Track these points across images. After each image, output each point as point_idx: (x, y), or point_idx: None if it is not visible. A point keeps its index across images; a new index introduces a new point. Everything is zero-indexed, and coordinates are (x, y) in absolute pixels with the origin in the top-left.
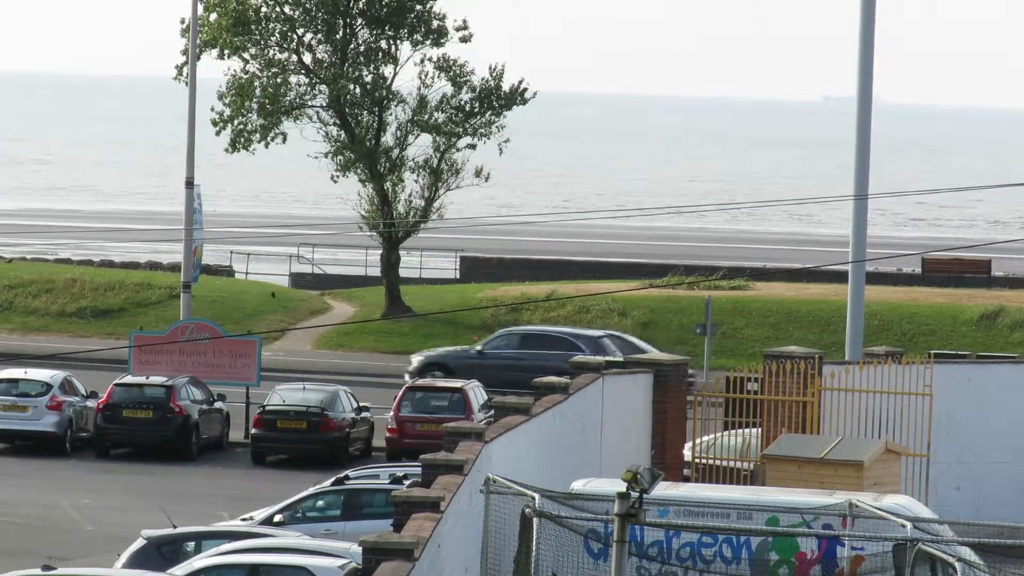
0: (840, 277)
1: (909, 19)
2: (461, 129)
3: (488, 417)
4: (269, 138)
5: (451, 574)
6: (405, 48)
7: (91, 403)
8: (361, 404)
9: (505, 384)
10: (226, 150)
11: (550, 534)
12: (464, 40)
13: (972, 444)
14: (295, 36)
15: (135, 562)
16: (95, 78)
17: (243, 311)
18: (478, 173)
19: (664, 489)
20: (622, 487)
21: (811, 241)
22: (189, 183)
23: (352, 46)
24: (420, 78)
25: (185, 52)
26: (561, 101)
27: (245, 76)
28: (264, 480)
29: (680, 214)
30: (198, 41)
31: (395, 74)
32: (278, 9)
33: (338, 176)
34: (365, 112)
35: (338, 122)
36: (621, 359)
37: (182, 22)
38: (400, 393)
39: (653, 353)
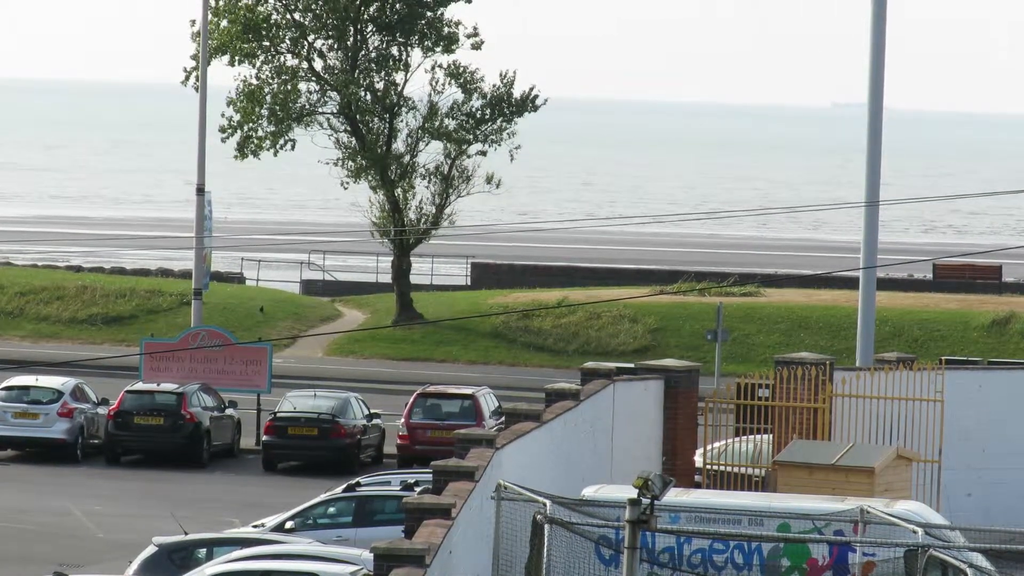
0: (851, 283)
1: (913, 21)
2: (472, 136)
3: (499, 424)
4: (278, 145)
5: None
6: (416, 55)
7: (102, 410)
8: (372, 411)
9: None
10: (234, 157)
11: (561, 540)
12: (475, 47)
13: (983, 450)
14: (306, 43)
15: (146, 569)
16: (110, 84)
17: (254, 318)
18: (489, 179)
19: (675, 495)
20: (633, 493)
21: (822, 247)
22: (200, 190)
23: (363, 53)
24: (431, 85)
25: (194, 57)
26: (564, 107)
27: (256, 82)
28: (275, 487)
29: (698, 220)
30: (208, 47)
31: (406, 81)
32: (288, 16)
33: (348, 183)
34: (376, 119)
35: (349, 129)
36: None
37: (192, 24)
38: (411, 400)
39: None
